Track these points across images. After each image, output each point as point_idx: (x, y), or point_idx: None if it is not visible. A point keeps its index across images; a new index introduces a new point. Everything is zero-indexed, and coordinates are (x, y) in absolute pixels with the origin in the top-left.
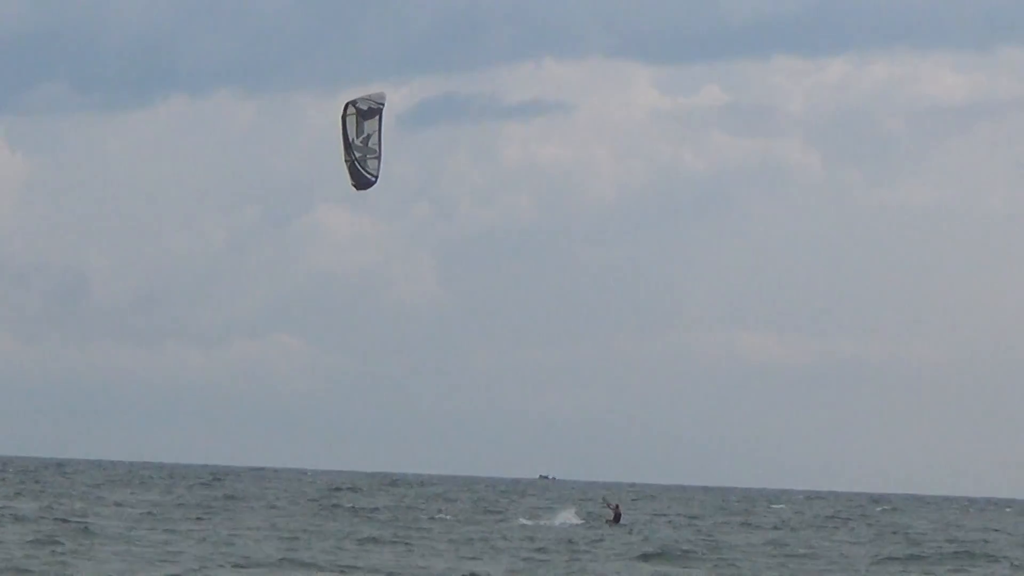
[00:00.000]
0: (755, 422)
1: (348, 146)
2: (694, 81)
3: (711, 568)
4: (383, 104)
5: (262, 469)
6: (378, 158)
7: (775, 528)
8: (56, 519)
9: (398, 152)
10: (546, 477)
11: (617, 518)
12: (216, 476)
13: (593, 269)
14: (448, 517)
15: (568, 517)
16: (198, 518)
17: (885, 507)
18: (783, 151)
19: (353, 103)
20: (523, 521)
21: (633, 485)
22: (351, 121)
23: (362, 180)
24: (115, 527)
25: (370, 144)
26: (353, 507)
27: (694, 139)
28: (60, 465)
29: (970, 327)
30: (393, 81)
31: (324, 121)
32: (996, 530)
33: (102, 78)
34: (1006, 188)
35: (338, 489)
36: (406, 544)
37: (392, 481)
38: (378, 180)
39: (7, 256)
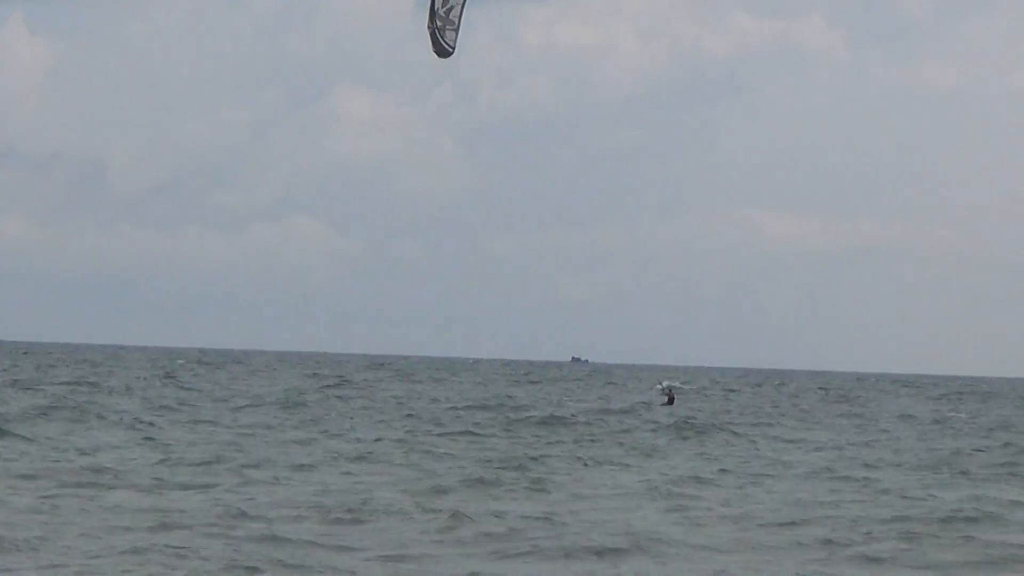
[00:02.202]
0: (775, 303)
1: (432, 13)
2: None
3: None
4: None
5: (288, 353)
6: (456, 30)
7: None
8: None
9: (417, 35)
10: (578, 359)
11: (671, 400)
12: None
13: (614, 151)
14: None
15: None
16: None
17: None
18: (805, 31)
19: None
20: None
21: (662, 367)
22: None
23: (442, 50)
24: None
25: (451, 16)
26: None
27: (714, 20)
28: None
29: (993, 209)
30: None
31: (344, 3)
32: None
33: None
34: None
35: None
36: None
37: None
38: (455, 51)
39: (27, 143)
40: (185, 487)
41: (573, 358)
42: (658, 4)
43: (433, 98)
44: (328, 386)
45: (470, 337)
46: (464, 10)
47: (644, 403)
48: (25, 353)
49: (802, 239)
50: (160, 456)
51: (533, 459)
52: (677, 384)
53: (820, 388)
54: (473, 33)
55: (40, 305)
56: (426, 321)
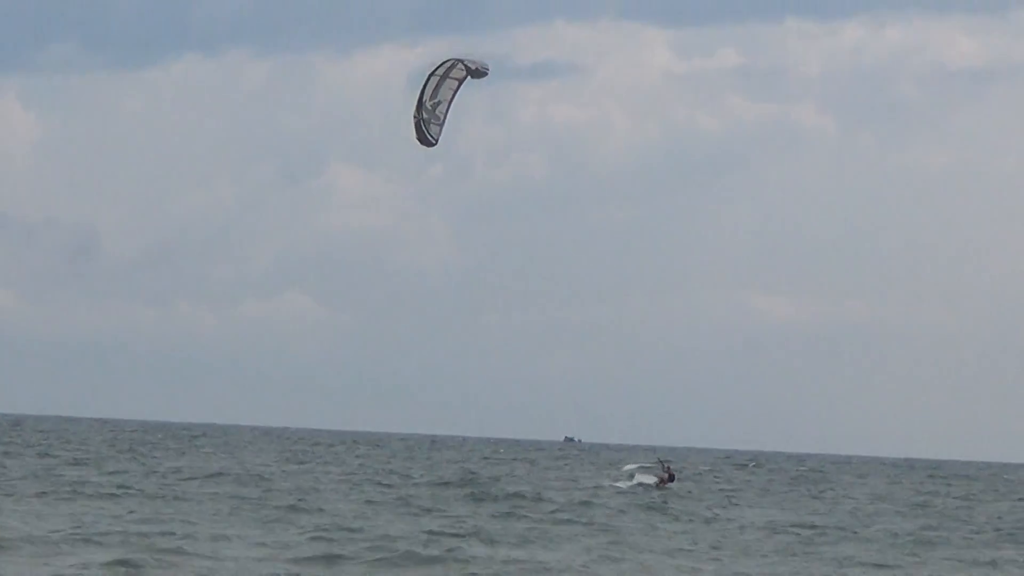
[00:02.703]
0: (767, 383)
1: (420, 104)
2: (708, 43)
3: None
4: (488, 71)
5: (274, 429)
6: (441, 125)
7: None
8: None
9: (411, 112)
10: (571, 440)
11: (671, 478)
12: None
13: (607, 230)
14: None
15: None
16: None
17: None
18: (797, 114)
19: (460, 60)
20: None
21: (653, 448)
22: (433, 81)
23: (424, 140)
24: None
25: (437, 111)
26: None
27: (708, 101)
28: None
29: (983, 290)
30: (406, 42)
31: (337, 80)
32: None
33: (113, 36)
34: (1020, 150)
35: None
36: None
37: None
38: (438, 143)
39: (19, 214)
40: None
41: (566, 438)
42: (652, 84)
43: (425, 175)
44: (300, 461)
45: (461, 415)
46: (451, 108)
47: (598, 486)
48: (16, 426)
49: (793, 319)
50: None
51: (453, 535)
52: (647, 465)
53: (797, 469)
54: (466, 110)
55: (30, 377)
56: (417, 398)
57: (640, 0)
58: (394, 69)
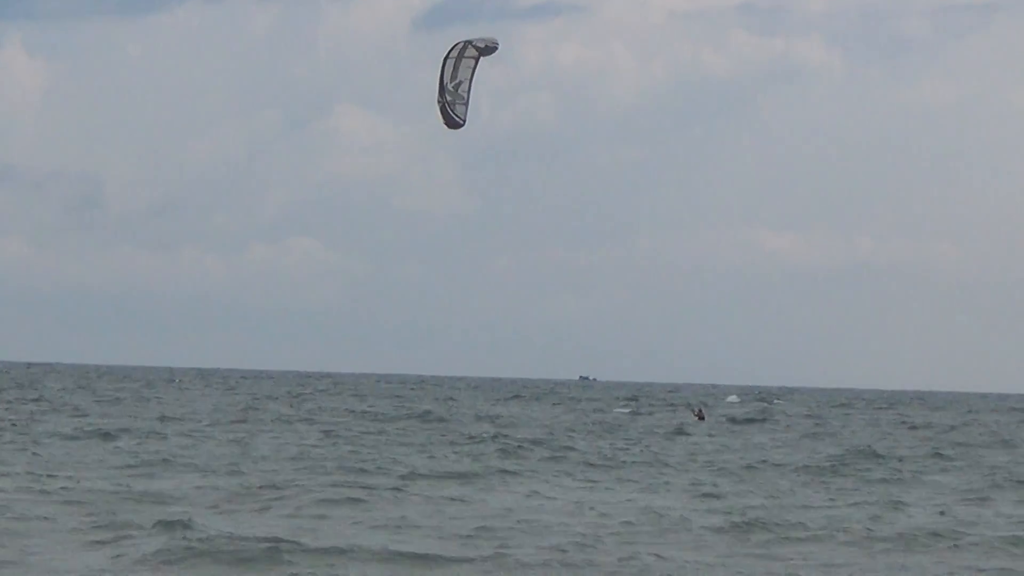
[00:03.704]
0: (776, 320)
1: (442, 88)
2: None
3: None
4: (498, 46)
5: (287, 373)
6: (466, 104)
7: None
8: None
9: (416, 55)
10: (586, 378)
11: (701, 418)
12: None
13: (615, 169)
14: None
15: None
16: None
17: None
18: (803, 50)
19: (470, 42)
20: None
21: (659, 384)
22: (450, 64)
23: (452, 122)
24: None
25: (460, 91)
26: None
27: (713, 39)
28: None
29: (992, 225)
30: None
31: (341, 23)
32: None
33: None
34: None
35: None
36: None
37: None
38: (466, 123)
39: (25, 163)
40: None
41: (580, 377)
42: (657, 22)
43: (432, 118)
44: (268, 397)
45: (474, 357)
46: (472, 85)
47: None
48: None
49: (802, 256)
50: None
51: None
52: (622, 408)
53: (771, 402)
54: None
55: (38, 325)
56: (428, 340)
57: None
58: (399, 11)
